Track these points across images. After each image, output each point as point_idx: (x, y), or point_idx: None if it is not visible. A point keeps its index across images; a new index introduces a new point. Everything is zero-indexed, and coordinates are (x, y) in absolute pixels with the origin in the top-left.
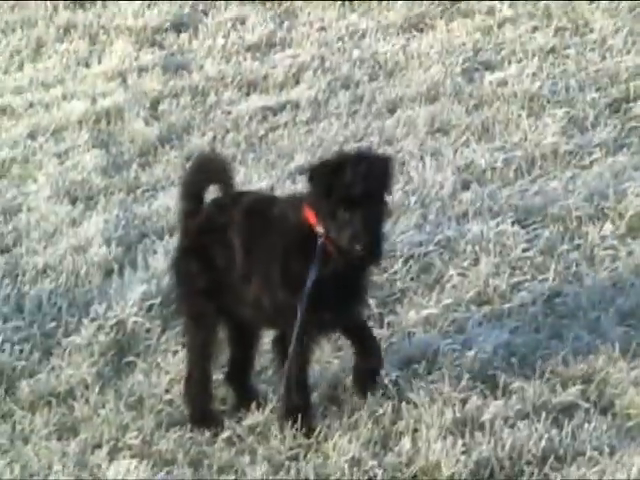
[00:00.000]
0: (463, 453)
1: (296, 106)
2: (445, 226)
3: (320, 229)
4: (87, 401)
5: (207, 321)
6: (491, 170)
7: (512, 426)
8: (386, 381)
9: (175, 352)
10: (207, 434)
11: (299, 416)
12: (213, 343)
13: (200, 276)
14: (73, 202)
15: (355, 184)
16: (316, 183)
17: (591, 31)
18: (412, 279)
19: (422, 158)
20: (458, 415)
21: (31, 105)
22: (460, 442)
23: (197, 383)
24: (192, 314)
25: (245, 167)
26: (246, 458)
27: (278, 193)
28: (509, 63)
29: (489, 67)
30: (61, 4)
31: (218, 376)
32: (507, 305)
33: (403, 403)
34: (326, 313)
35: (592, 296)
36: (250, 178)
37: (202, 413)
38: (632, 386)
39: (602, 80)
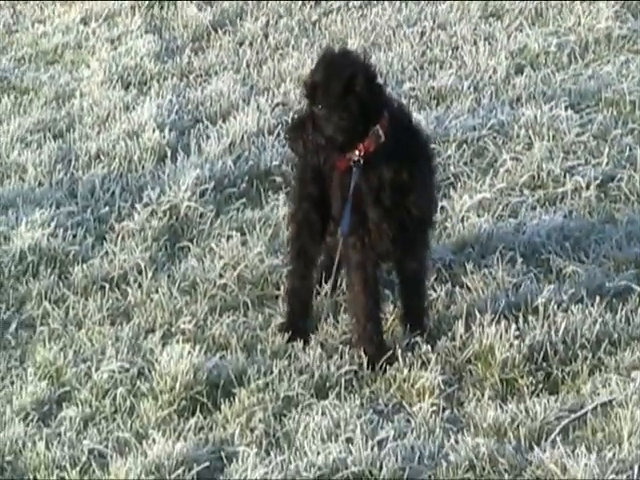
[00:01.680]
0: (517, 337)
1: None
2: (498, 110)
3: None
4: (140, 286)
5: None
6: (544, 54)
7: (566, 310)
8: (440, 265)
9: (229, 237)
10: (261, 320)
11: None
12: None
13: None
14: (126, 87)
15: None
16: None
17: None
18: (465, 164)
19: (475, 43)
20: (512, 299)
21: None
22: (514, 326)
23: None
24: None
25: (298, 52)
26: (299, 343)
27: None
28: None
29: None
30: None
31: None
32: (560, 189)
33: (457, 287)
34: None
35: None
36: (304, 62)
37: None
38: None
39: None
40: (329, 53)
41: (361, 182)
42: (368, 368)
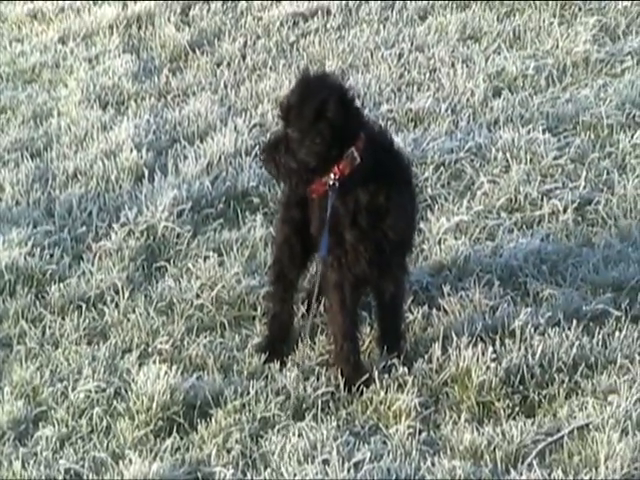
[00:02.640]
0: (493, 360)
1: (327, 12)
2: (476, 133)
3: None
4: (117, 306)
5: None
6: (522, 77)
7: (542, 334)
8: (417, 287)
9: (206, 257)
10: (237, 341)
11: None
12: None
13: None
14: (104, 107)
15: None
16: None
17: None
18: (443, 186)
19: (453, 65)
20: (489, 322)
21: (62, 10)
22: (490, 349)
23: None
24: None
25: (276, 73)
26: (276, 364)
27: None
28: None
29: None
30: None
31: None
32: (538, 213)
33: (433, 310)
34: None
35: (623, 204)
36: (281, 83)
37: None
38: None
39: None
40: (306, 75)
41: (338, 205)
42: (345, 389)
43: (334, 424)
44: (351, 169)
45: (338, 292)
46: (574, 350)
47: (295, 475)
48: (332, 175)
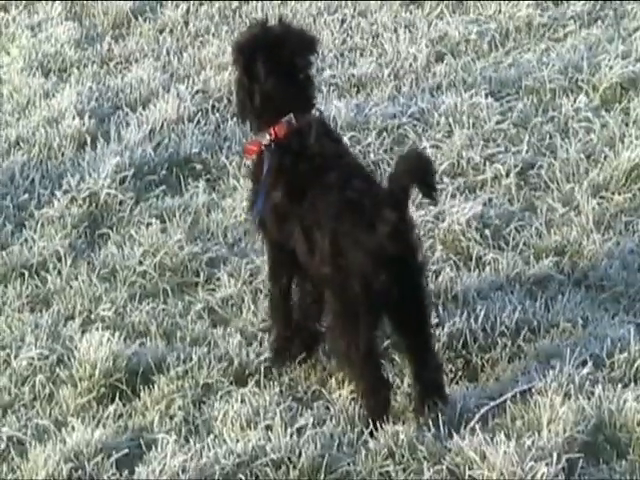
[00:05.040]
0: (437, 325)
1: None
2: (419, 98)
3: None
4: (59, 273)
5: None
6: (465, 42)
7: (485, 298)
8: None
9: (148, 224)
10: (180, 307)
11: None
12: None
13: None
14: (46, 74)
15: None
16: None
17: None
18: (385, 151)
19: (396, 30)
20: (431, 287)
21: None
22: (433, 313)
23: None
24: None
25: (219, 40)
26: (219, 330)
27: None
28: None
29: None
30: None
31: None
32: (480, 177)
33: None
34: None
35: (566, 168)
36: (224, 50)
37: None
38: (605, 258)
39: None
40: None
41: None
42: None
43: (277, 390)
44: (286, 133)
45: (271, 258)
46: (517, 314)
47: (238, 441)
48: (267, 136)
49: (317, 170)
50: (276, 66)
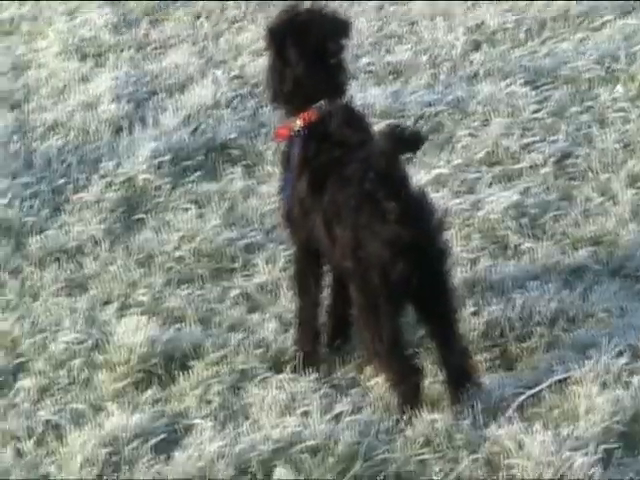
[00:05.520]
0: (474, 314)
1: None
2: (456, 86)
3: None
4: (96, 258)
5: None
6: (502, 31)
7: (522, 287)
8: None
9: (185, 209)
10: (217, 293)
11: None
12: None
13: None
14: (83, 59)
15: None
16: None
17: None
18: None
19: (432, 18)
20: (468, 275)
21: None
22: (470, 302)
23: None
24: None
25: (255, 25)
26: (256, 316)
27: None
28: None
29: None
30: None
31: None
32: (517, 166)
33: None
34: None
35: (603, 158)
36: (260, 36)
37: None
38: None
39: None
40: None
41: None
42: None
43: (313, 377)
44: (317, 119)
45: (296, 255)
46: (554, 303)
47: (275, 427)
48: (298, 121)
49: (338, 161)
50: (307, 51)
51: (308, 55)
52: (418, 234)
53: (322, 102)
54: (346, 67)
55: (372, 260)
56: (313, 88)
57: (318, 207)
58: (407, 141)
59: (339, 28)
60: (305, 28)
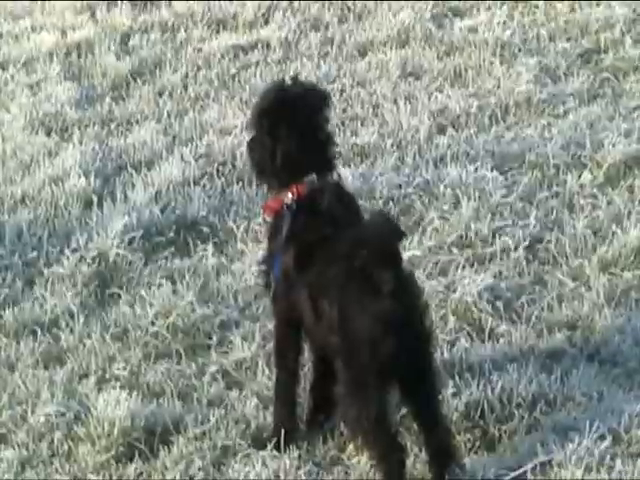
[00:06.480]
0: (453, 395)
1: (267, 46)
2: (423, 169)
3: None
4: (72, 331)
5: None
6: (466, 115)
7: (500, 369)
8: None
9: (159, 285)
10: (195, 368)
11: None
12: None
13: None
14: (48, 133)
15: None
16: None
17: None
18: None
19: (396, 101)
20: (446, 357)
21: (0, 36)
22: (450, 383)
23: None
24: None
25: (219, 104)
26: (235, 393)
27: None
28: (478, 10)
29: (458, 14)
30: None
31: None
32: (489, 250)
33: None
34: None
35: (574, 243)
36: (224, 114)
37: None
38: (617, 334)
39: (572, 31)
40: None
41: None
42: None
43: (295, 454)
44: (309, 193)
45: (277, 325)
46: (533, 386)
47: None
48: (289, 195)
49: (328, 236)
50: (297, 125)
51: (299, 130)
52: (408, 311)
53: (313, 176)
54: (334, 140)
55: (362, 335)
56: (303, 163)
57: (304, 282)
58: (396, 227)
59: (324, 100)
60: (294, 103)
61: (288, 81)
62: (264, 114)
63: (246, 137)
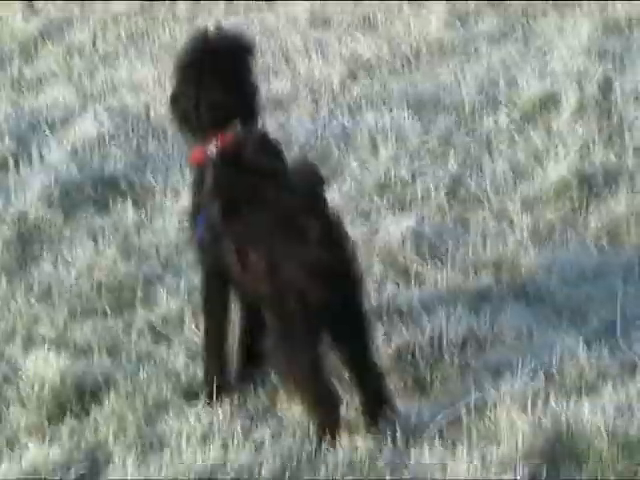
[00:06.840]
0: (384, 340)
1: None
2: (339, 116)
3: None
4: None
5: None
6: (378, 61)
7: (429, 312)
8: None
9: (81, 244)
10: (121, 325)
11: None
12: None
13: None
14: None
15: None
16: None
17: None
18: None
19: (307, 51)
20: (374, 303)
21: None
22: (380, 329)
23: None
24: None
25: (128, 61)
26: (163, 347)
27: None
28: None
29: None
30: None
31: None
32: (410, 193)
33: None
34: None
35: (495, 184)
36: (136, 71)
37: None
38: (543, 271)
39: None
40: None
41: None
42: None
43: (228, 407)
44: (234, 143)
45: (206, 284)
46: (462, 328)
47: (196, 457)
48: (213, 145)
49: (254, 186)
50: (221, 75)
51: (223, 79)
52: (337, 258)
53: (238, 126)
54: (259, 89)
55: (290, 283)
56: (228, 112)
57: (231, 232)
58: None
59: (248, 50)
60: (218, 52)
61: (212, 31)
62: (188, 64)
63: (158, 92)
